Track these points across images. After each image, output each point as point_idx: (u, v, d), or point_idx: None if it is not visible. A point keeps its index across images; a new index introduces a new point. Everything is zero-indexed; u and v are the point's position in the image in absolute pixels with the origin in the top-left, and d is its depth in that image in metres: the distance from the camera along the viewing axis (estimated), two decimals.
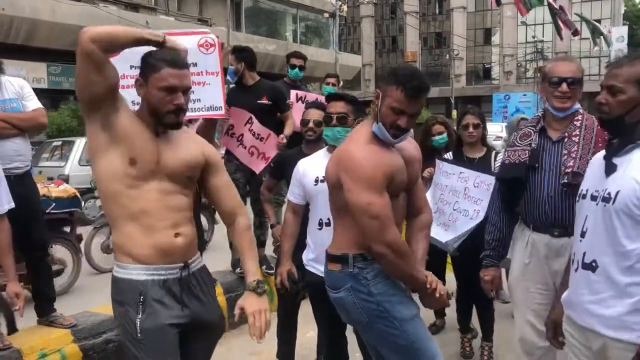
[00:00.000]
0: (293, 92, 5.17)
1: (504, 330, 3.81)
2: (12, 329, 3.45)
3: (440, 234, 3.41)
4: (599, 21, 31.21)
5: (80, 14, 18.01)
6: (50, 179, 7.24)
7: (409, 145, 2.36)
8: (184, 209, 2.10)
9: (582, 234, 1.89)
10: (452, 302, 4.02)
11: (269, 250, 5.06)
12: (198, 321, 2.11)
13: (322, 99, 4.08)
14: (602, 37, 22.86)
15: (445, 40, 49.89)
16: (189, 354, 2.13)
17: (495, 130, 16.47)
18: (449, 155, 3.88)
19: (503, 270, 2.94)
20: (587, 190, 1.93)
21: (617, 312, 1.74)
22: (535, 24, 36.69)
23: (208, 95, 3.01)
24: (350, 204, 2.14)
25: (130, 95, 2.27)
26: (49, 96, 16.68)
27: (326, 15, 30.86)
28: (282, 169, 3.46)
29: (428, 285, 2.23)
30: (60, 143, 11.16)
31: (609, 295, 1.78)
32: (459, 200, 3.54)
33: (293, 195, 2.99)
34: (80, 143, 9.94)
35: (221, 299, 4.38)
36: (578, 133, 2.56)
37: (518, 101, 29.37)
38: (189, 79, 2.06)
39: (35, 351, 3.18)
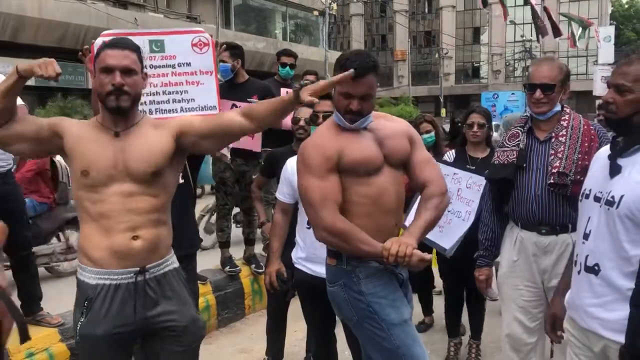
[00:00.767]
0: (283, 91, 5.14)
1: (492, 327, 3.83)
2: (24, 337, 3.42)
3: (436, 236, 3.35)
4: None
5: (68, 11, 17.88)
6: None
7: (388, 123, 2.32)
8: (147, 211, 2.03)
9: (585, 236, 1.86)
10: (441, 300, 4.07)
11: (258, 249, 5.06)
12: (160, 327, 2.07)
13: None
14: (587, 30, 22.91)
15: (434, 39, 50.13)
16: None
17: None
18: (450, 153, 3.80)
19: (492, 269, 2.95)
20: (590, 190, 1.89)
21: (619, 315, 1.72)
22: (523, 23, 36.91)
23: (202, 94, 2.98)
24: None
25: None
26: (37, 93, 16.48)
27: (316, 13, 30.82)
28: (273, 166, 3.45)
29: (385, 253, 2.05)
30: None
31: (611, 299, 1.76)
32: (452, 202, 3.51)
33: (282, 194, 2.98)
34: None
35: (210, 298, 4.38)
36: (565, 133, 2.58)
37: (506, 100, 29.41)
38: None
39: (23, 350, 3.15)
